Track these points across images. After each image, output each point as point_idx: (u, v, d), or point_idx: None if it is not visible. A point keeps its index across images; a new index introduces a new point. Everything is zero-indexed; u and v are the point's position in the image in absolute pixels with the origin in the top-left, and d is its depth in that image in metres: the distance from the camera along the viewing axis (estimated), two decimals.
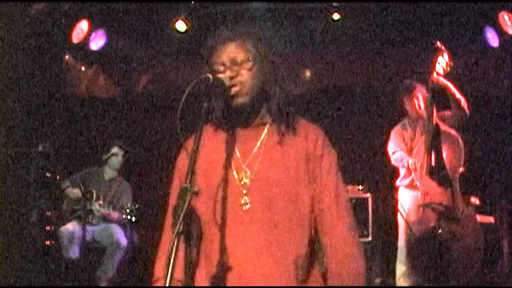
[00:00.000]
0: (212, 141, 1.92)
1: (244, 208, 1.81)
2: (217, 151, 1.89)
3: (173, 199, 1.87)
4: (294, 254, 1.82)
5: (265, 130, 1.91)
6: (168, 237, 1.88)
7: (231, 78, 1.83)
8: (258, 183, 1.83)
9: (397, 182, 4.95)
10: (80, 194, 5.04)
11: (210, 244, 1.83)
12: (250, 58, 1.87)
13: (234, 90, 1.84)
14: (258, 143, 1.89)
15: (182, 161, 1.95)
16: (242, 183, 1.84)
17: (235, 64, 1.86)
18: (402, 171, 4.90)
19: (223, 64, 1.87)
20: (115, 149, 5.49)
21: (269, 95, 1.90)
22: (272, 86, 1.89)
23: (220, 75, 1.82)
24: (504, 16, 5.27)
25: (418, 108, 4.80)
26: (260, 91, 1.89)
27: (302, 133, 1.91)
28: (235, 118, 1.92)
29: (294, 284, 1.80)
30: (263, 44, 1.91)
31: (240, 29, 1.92)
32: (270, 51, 1.93)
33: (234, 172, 1.85)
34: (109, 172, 5.52)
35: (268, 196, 1.82)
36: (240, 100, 1.85)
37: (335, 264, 1.82)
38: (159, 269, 1.87)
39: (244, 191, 1.83)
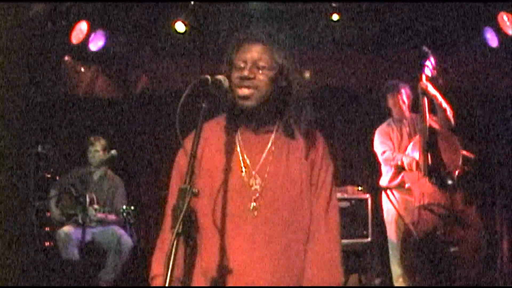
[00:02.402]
0: (216, 141, 1.92)
1: (254, 213, 1.83)
2: (221, 153, 1.89)
3: (172, 199, 1.87)
4: (296, 261, 1.85)
5: (272, 138, 1.92)
6: (166, 236, 1.87)
7: (247, 78, 1.83)
8: (268, 190, 1.85)
9: (382, 182, 4.91)
10: (61, 216, 5.03)
11: (212, 245, 1.83)
12: (271, 66, 1.86)
13: (244, 91, 1.84)
14: (267, 150, 1.90)
15: (182, 161, 1.94)
16: (253, 189, 1.85)
17: (256, 66, 1.85)
18: (388, 171, 4.86)
19: (245, 62, 1.86)
20: (93, 147, 5.32)
21: (284, 108, 1.89)
22: (291, 100, 1.89)
23: (236, 73, 1.84)
24: (503, 17, 5.27)
25: (402, 104, 4.81)
26: (270, 100, 1.88)
27: (306, 141, 1.93)
28: (242, 120, 1.92)
29: None
30: (289, 56, 1.90)
31: (273, 34, 1.91)
32: (294, 63, 1.91)
33: (245, 177, 1.86)
34: (96, 172, 5.35)
35: (276, 203, 1.85)
36: (249, 103, 1.85)
37: (315, 271, 1.86)
38: (156, 267, 1.88)
39: (254, 197, 1.84)
